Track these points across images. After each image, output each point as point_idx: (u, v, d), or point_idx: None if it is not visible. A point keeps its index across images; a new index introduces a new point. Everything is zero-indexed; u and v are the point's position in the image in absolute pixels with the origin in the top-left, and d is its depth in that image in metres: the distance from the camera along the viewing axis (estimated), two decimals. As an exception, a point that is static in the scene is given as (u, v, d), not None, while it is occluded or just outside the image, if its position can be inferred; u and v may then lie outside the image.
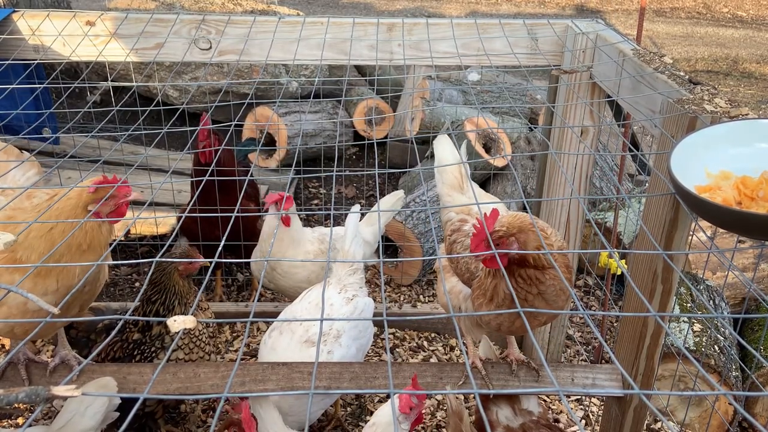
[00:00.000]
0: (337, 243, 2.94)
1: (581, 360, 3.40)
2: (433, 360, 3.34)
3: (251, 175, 3.70)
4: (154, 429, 2.54)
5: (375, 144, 4.94)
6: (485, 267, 1.86)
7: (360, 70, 6.06)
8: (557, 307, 1.80)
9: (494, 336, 2.63)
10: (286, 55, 2.67)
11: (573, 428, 2.89)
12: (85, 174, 3.72)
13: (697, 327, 3.03)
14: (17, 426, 2.72)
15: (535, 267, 1.76)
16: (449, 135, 2.38)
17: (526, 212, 1.84)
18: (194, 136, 3.15)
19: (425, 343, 3.46)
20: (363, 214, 3.18)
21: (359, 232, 2.91)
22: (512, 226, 1.73)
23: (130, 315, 1.06)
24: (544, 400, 3.11)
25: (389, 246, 4.00)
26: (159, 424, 2.55)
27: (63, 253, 1.73)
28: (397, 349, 3.39)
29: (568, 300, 1.86)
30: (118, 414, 2.04)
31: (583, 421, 3.00)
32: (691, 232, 1.85)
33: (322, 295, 1.09)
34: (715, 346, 2.94)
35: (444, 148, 2.39)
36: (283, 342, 2.42)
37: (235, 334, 3.44)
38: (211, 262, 1.29)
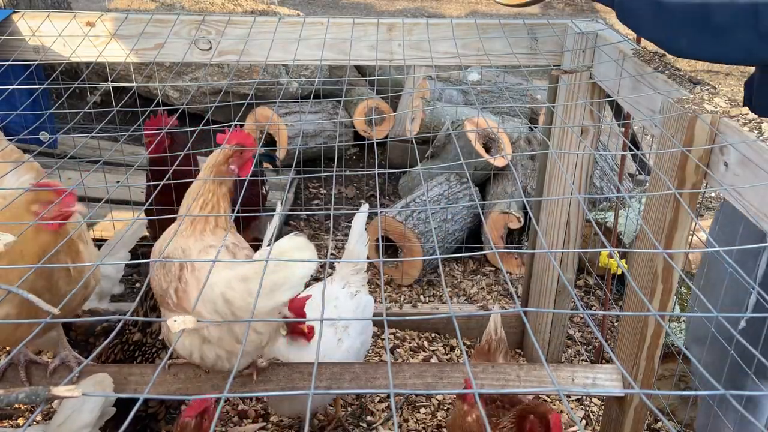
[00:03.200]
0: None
1: (582, 360, 3.40)
2: (434, 360, 3.34)
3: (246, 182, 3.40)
4: (156, 430, 2.54)
5: (375, 144, 4.95)
6: None
7: (360, 70, 6.06)
8: None
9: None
10: (286, 56, 2.67)
11: (573, 428, 2.89)
12: (85, 175, 3.73)
13: (697, 327, 3.03)
14: (18, 426, 2.72)
15: None
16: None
17: (527, 212, 1.85)
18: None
19: (425, 344, 3.46)
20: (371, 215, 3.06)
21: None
22: None
23: (129, 315, 1.07)
24: (545, 400, 3.11)
25: (389, 246, 4.00)
26: (161, 426, 2.56)
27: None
28: (397, 350, 3.39)
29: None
30: (115, 410, 2.03)
31: (584, 421, 3.00)
32: (691, 232, 1.85)
33: (322, 294, 1.09)
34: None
35: None
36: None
37: (235, 335, 3.44)
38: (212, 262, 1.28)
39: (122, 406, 2.09)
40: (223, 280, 1.71)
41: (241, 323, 1.77)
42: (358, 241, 2.76)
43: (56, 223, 1.72)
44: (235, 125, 2.05)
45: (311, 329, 2.32)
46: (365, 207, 2.86)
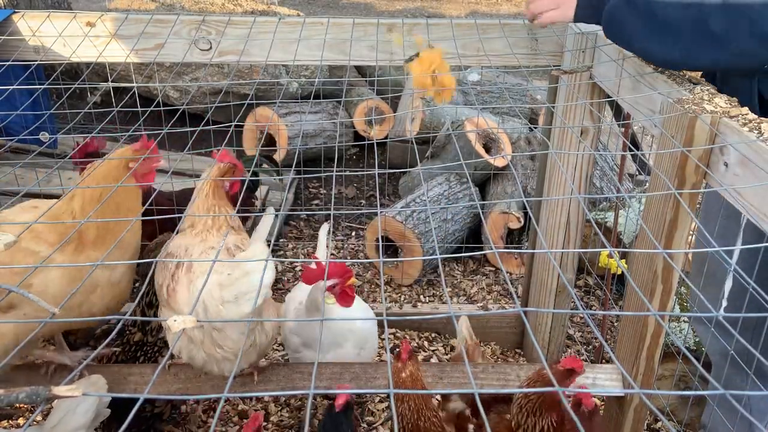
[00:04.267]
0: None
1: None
2: (434, 360, 3.34)
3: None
4: (159, 430, 2.54)
5: (375, 144, 4.95)
6: None
7: (360, 70, 6.06)
8: None
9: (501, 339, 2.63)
10: (287, 56, 2.67)
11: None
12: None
13: (697, 327, 3.03)
14: (18, 426, 2.72)
15: None
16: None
17: (527, 212, 1.85)
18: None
19: (426, 344, 3.46)
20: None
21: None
22: None
23: (129, 315, 1.07)
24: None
25: (389, 246, 4.01)
26: (163, 426, 2.55)
27: (107, 214, 1.90)
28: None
29: None
30: (110, 411, 2.03)
31: (584, 421, 3.00)
32: (691, 232, 1.85)
33: (322, 295, 1.09)
34: (716, 346, 2.94)
35: None
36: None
37: (235, 335, 3.44)
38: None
39: (126, 406, 2.08)
40: (207, 285, 1.72)
41: (219, 328, 1.79)
42: (320, 254, 2.99)
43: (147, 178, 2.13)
44: (235, 126, 2.05)
45: (353, 295, 2.37)
46: (325, 226, 3.03)
